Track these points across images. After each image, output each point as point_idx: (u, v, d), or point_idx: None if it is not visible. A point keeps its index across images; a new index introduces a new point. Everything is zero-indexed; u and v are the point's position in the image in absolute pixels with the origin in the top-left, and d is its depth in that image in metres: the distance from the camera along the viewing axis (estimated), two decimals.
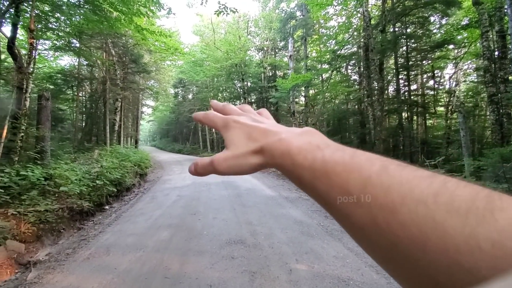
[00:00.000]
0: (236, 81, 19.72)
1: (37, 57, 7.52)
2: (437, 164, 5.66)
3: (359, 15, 12.11)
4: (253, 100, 22.11)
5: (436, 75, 13.47)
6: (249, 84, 20.40)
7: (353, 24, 12.88)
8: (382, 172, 0.22)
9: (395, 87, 12.57)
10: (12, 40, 5.55)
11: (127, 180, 7.57)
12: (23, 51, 7.07)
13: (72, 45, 9.75)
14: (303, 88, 13.40)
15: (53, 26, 7.54)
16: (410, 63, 12.13)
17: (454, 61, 12.95)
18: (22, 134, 5.30)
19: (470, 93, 13.43)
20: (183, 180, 9.30)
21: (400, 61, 12.37)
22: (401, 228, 0.19)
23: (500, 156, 5.41)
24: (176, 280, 2.67)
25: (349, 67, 16.26)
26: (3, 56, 7.21)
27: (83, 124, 13.03)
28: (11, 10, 5.54)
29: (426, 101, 13.09)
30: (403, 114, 12.34)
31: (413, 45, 12.11)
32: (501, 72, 7.01)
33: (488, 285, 0.15)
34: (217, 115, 0.35)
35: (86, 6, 6.84)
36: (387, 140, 11.33)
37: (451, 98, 12.48)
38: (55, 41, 8.90)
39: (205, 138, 26.31)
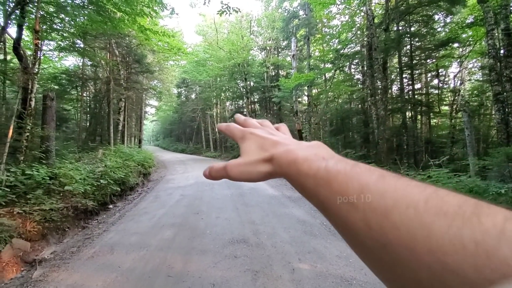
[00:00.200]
0: (239, 81, 19.72)
1: (42, 57, 7.61)
2: (442, 164, 5.62)
3: (362, 13, 12.03)
4: (256, 100, 22.10)
5: (440, 74, 13.35)
6: (252, 83, 20.39)
7: (356, 23, 12.81)
8: (379, 180, 0.23)
9: (399, 86, 12.48)
10: (17, 41, 5.61)
11: (131, 179, 7.62)
12: (29, 52, 7.16)
13: (77, 45, 9.83)
14: (306, 88, 13.38)
15: (58, 27, 7.61)
16: (414, 62, 12.02)
17: (458, 60, 12.81)
18: (28, 134, 5.36)
19: (475, 92, 13.29)
20: (186, 179, 9.34)
21: (404, 60, 12.27)
22: (392, 230, 0.20)
23: (506, 156, 5.35)
24: (179, 279, 2.69)
25: (353, 66, 16.17)
26: (9, 57, 7.31)
27: (87, 124, 13.14)
28: (17, 11, 5.60)
29: (430, 100, 12.97)
30: (407, 113, 12.24)
31: (417, 44, 12.01)
32: (507, 71, 6.92)
33: None
34: (237, 127, 0.38)
35: (90, 7, 6.89)
36: (390, 139, 11.24)
37: (456, 97, 12.35)
38: (59, 42, 8.98)
39: (208, 138, 26.37)
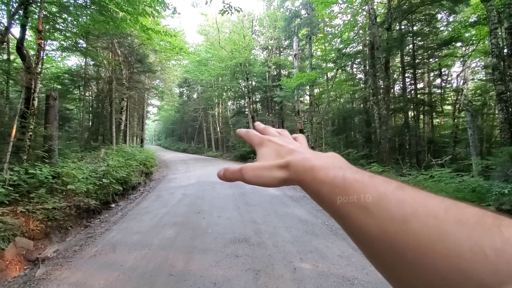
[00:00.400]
0: (240, 80, 19.72)
1: (45, 57, 7.64)
2: (444, 163, 5.59)
3: (364, 13, 11.98)
4: (257, 99, 22.09)
5: (443, 73, 13.27)
6: (253, 83, 20.38)
7: (358, 22, 12.75)
8: (397, 189, 0.24)
9: (401, 85, 12.43)
10: (21, 41, 5.65)
11: (133, 178, 7.65)
12: (32, 52, 7.18)
13: (79, 45, 9.87)
14: (308, 87, 13.35)
15: (61, 27, 7.64)
16: (417, 61, 11.97)
17: (461, 59, 12.73)
18: (31, 133, 5.40)
19: (478, 91, 13.21)
20: (188, 179, 9.36)
21: (407, 59, 12.21)
22: (411, 238, 0.20)
23: (509, 156, 5.31)
24: (181, 278, 2.69)
25: (355, 66, 16.12)
26: (12, 57, 7.35)
27: (90, 124, 13.19)
28: (20, 11, 5.64)
29: (433, 99, 12.90)
30: (409, 113, 12.19)
31: (419, 43, 11.95)
32: (510, 70, 6.87)
33: None
34: (256, 134, 0.40)
35: (92, 7, 6.91)
36: (392, 139, 11.21)
37: (459, 97, 12.28)
38: (62, 42, 9.02)
39: (210, 138, 26.40)
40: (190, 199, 6.28)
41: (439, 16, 11.72)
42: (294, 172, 0.30)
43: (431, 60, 12.24)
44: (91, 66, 13.07)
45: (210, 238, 3.74)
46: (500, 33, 7.84)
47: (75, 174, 5.32)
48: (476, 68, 14.44)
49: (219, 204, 5.64)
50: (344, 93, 15.45)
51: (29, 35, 8.84)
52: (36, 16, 6.19)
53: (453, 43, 11.10)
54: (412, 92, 12.54)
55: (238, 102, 25.34)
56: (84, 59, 12.17)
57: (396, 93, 13.41)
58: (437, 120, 14.04)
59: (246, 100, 20.44)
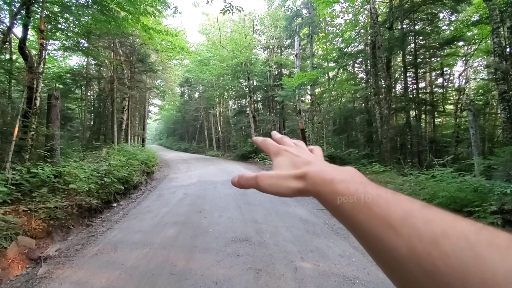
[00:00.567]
0: (241, 80, 19.72)
1: (47, 57, 7.68)
2: (446, 163, 5.57)
3: (366, 12, 11.95)
4: (258, 99, 22.08)
5: (445, 72, 13.22)
6: (254, 82, 20.38)
7: (360, 21, 12.72)
8: (423, 208, 0.24)
9: (403, 85, 12.38)
10: (23, 41, 5.67)
11: (134, 178, 7.67)
12: (34, 52, 7.22)
13: (81, 45, 9.90)
14: (309, 87, 13.32)
15: (62, 27, 7.66)
16: (419, 60, 11.92)
17: (463, 58, 12.68)
18: (33, 132, 5.42)
19: (480, 90, 13.14)
20: (189, 178, 9.37)
21: (408, 58, 12.17)
22: (441, 259, 0.20)
23: None
24: (182, 277, 2.70)
25: (356, 65, 16.08)
26: (14, 57, 7.38)
27: (92, 123, 13.23)
28: (22, 11, 5.66)
29: (435, 99, 12.85)
30: (411, 113, 12.14)
31: (421, 42, 11.90)
32: None
33: None
34: (273, 143, 0.40)
35: (94, 7, 6.93)
36: (394, 138, 11.18)
37: (461, 96, 12.23)
38: (64, 41, 9.05)
39: (211, 137, 26.43)
40: (191, 198, 6.29)
41: (441, 15, 11.67)
42: (312, 184, 0.30)
43: (433, 59, 12.19)
44: (93, 66, 13.10)
45: (211, 237, 3.74)
46: (502, 32, 7.80)
47: (77, 173, 5.34)
48: (478, 68, 14.38)
49: (220, 204, 5.65)
50: (346, 93, 15.42)
51: (31, 35, 8.86)
52: (38, 16, 6.21)
53: (455, 42, 11.05)
54: (414, 91, 12.49)
55: (239, 101, 25.34)
56: (86, 59, 12.19)
57: (397, 93, 13.37)
58: (439, 119, 13.98)
59: (247, 99, 20.44)
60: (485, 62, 13.41)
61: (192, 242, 3.59)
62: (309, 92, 14.35)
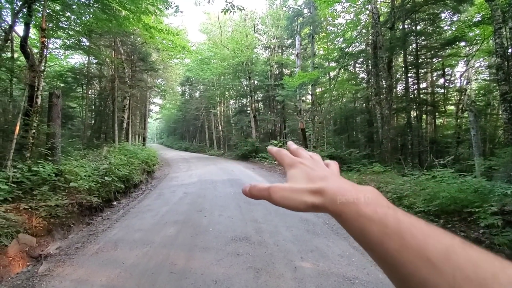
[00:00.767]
0: (242, 79, 19.72)
1: (48, 55, 7.69)
2: (446, 164, 5.57)
3: (367, 12, 11.93)
4: (259, 98, 22.07)
5: (446, 73, 13.19)
6: (255, 82, 20.37)
7: (361, 21, 12.70)
8: (465, 246, 0.22)
9: (404, 85, 12.36)
10: (24, 39, 5.68)
11: (135, 177, 7.68)
12: (35, 50, 7.24)
13: (82, 43, 9.91)
14: (310, 86, 13.32)
15: (64, 25, 7.68)
16: (420, 61, 11.89)
17: (465, 59, 12.64)
18: (34, 131, 5.43)
19: (481, 91, 13.11)
20: (189, 177, 9.38)
21: (410, 58, 12.14)
22: None
23: None
24: (181, 276, 2.71)
25: (357, 65, 16.06)
26: (16, 55, 7.39)
27: (92, 122, 13.25)
28: (24, 10, 5.67)
29: (436, 99, 12.83)
30: (412, 113, 12.12)
31: (423, 43, 11.88)
32: None
33: None
34: (287, 154, 0.38)
35: (95, 5, 6.93)
36: (395, 139, 11.16)
37: (462, 97, 12.20)
38: (65, 40, 9.07)
39: (212, 136, 26.45)
40: (191, 197, 6.30)
41: (442, 15, 11.65)
42: (331, 201, 0.29)
43: (434, 59, 12.16)
44: (94, 65, 13.11)
45: (211, 237, 3.75)
46: (504, 32, 7.77)
47: (77, 171, 5.35)
48: (480, 68, 14.34)
49: (220, 203, 5.66)
50: (346, 93, 15.40)
51: (33, 33, 8.86)
52: (40, 15, 6.22)
53: (457, 42, 11.02)
54: (415, 91, 12.46)
55: (240, 101, 25.35)
56: (87, 58, 12.19)
57: (398, 93, 13.35)
58: (440, 120, 13.96)
59: (248, 99, 20.44)
60: (486, 63, 13.38)
61: (192, 241, 3.60)
62: (310, 92, 14.35)
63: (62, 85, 10.98)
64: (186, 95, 30.98)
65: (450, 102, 13.31)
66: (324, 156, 10.13)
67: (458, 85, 13.59)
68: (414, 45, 11.65)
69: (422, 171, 6.24)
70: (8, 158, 4.61)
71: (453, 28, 11.79)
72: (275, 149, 0.40)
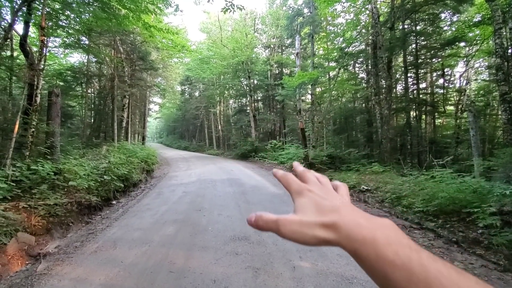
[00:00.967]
0: (242, 79, 19.71)
1: (47, 54, 7.66)
2: (445, 164, 5.58)
3: (367, 12, 11.93)
4: (259, 98, 22.06)
5: (446, 73, 13.19)
6: (255, 81, 20.37)
7: (361, 21, 12.70)
8: None
9: (404, 85, 12.37)
10: (24, 38, 5.67)
11: (134, 176, 7.68)
12: (35, 48, 7.22)
13: (82, 42, 9.90)
14: (309, 86, 13.30)
15: (63, 24, 7.66)
16: (420, 61, 11.90)
17: (465, 59, 12.65)
18: (33, 129, 5.43)
19: (481, 91, 13.12)
20: (189, 176, 9.38)
21: (409, 59, 12.15)
22: None
23: None
24: (180, 275, 2.71)
25: (357, 65, 16.06)
26: (15, 53, 7.37)
27: (92, 121, 13.25)
28: (24, 8, 5.65)
29: (435, 99, 12.84)
30: (411, 113, 12.13)
31: (422, 43, 11.88)
32: None
33: None
34: (294, 180, 0.36)
35: (95, 4, 6.92)
36: (394, 139, 11.17)
37: (461, 97, 12.20)
38: (65, 39, 9.05)
39: (211, 136, 26.45)
40: (190, 196, 6.30)
41: (442, 15, 11.65)
42: (346, 238, 0.27)
43: (434, 60, 12.17)
44: (94, 63, 13.10)
45: (210, 236, 3.75)
46: (504, 33, 7.78)
47: (76, 170, 5.35)
48: (479, 69, 14.35)
49: (219, 202, 5.66)
50: (346, 93, 15.40)
51: (32, 31, 8.84)
52: (39, 13, 6.21)
53: (457, 43, 11.02)
54: (415, 92, 12.47)
55: (239, 100, 25.34)
56: (87, 56, 12.18)
57: (398, 93, 13.36)
58: (439, 120, 13.97)
59: (248, 98, 20.43)
60: (486, 63, 13.39)
61: (191, 240, 3.60)
62: (309, 92, 14.34)
63: (61, 83, 10.97)
64: (186, 94, 30.96)
65: (449, 103, 13.32)
66: (324, 156, 10.14)
67: (457, 85, 13.61)
68: (414, 45, 11.66)
69: (421, 171, 6.25)
70: (7, 156, 4.61)
71: (453, 29, 11.80)
72: (280, 172, 0.38)
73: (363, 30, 12.77)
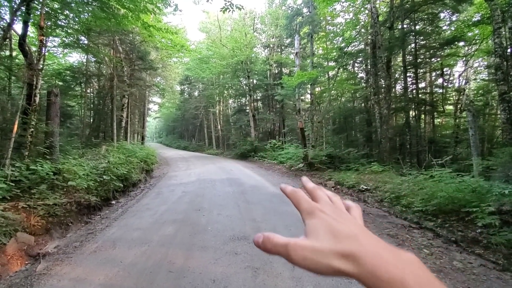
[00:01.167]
0: (241, 78, 19.69)
1: (46, 54, 7.65)
2: (445, 163, 5.59)
3: (366, 11, 11.93)
4: (258, 97, 22.06)
5: (445, 73, 13.21)
6: (254, 81, 20.36)
7: (360, 21, 12.70)
8: None
9: (403, 85, 12.38)
10: (23, 37, 5.66)
11: (134, 175, 7.67)
12: (33, 48, 7.20)
13: (81, 42, 9.87)
14: (309, 86, 13.31)
15: (62, 24, 7.64)
16: (419, 60, 11.91)
17: (464, 59, 12.67)
18: (32, 129, 5.42)
19: (480, 91, 13.15)
20: (188, 176, 9.38)
21: (408, 58, 12.16)
22: None
23: (510, 156, 5.30)
24: (180, 274, 2.71)
25: (356, 65, 16.07)
26: (14, 53, 7.36)
27: (91, 120, 13.23)
28: (23, 8, 5.64)
29: (435, 99, 12.86)
30: (411, 113, 12.15)
31: (422, 42, 11.89)
32: None
33: None
34: (304, 198, 0.33)
35: (94, 3, 6.90)
36: (393, 138, 11.19)
37: (461, 97, 12.23)
38: (64, 38, 9.02)
39: (211, 135, 26.44)
40: (190, 196, 6.30)
41: (442, 15, 11.66)
42: (369, 274, 0.24)
43: (433, 59, 12.18)
44: (93, 63, 13.08)
45: (210, 236, 3.75)
46: (503, 32, 7.79)
47: (76, 170, 5.34)
48: (478, 68, 14.37)
49: (219, 202, 5.66)
50: (345, 92, 15.41)
51: (31, 31, 8.82)
52: (38, 13, 6.19)
53: (456, 42, 11.03)
54: (414, 91, 12.49)
55: (239, 100, 25.33)
56: (86, 56, 12.17)
57: (397, 93, 13.37)
58: (438, 120, 14.00)
59: (247, 98, 20.42)
60: (485, 63, 13.41)
61: (191, 240, 3.60)
62: (309, 91, 14.34)
63: (60, 83, 10.95)
64: (185, 94, 30.96)
65: (448, 102, 13.34)
66: (323, 155, 10.14)
67: (456, 85, 13.63)
68: (413, 45, 11.67)
69: (420, 170, 6.26)
70: (6, 156, 4.60)
71: (452, 28, 11.81)
72: (289, 189, 0.34)
73: (362, 30, 12.77)
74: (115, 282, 2.61)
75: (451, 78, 14.05)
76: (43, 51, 6.35)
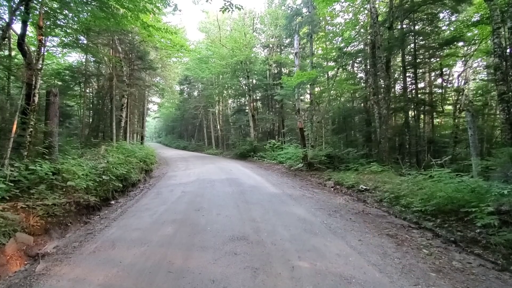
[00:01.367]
0: (241, 78, 19.69)
1: (45, 53, 7.63)
2: (444, 164, 5.59)
3: (366, 11, 11.93)
4: (258, 98, 22.06)
5: (444, 73, 13.23)
6: (254, 81, 20.36)
7: (360, 21, 12.71)
8: None
9: (402, 85, 12.40)
10: (22, 37, 5.64)
11: (133, 175, 7.67)
12: (32, 48, 7.18)
13: (80, 42, 9.85)
14: (308, 86, 13.33)
15: (61, 23, 7.63)
16: (418, 60, 11.93)
17: (463, 59, 12.69)
18: (31, 129, 5.41)
19: (479, 91, 13.18)
20: (188, 176, 9.38)
21: (408, 58, 12.17)
22: None
23: (510, 156, 5.31)
24: (179, 275, 2.71)
25: (356, 65, 16.07)
26: (13, 53, 7.34)
27: (90, 120, 13.21)
28: (21, 7, 5.63)
29: (434, 99, 12.88)
30: (410, 113, 12.17)
31: (421, 43, 11.90)
32: None
33: None
34: None
35: (93, 3, 6.89)
36: (392, 138, 11.20)
37: (460, 97, 12.26)
38: (63, 38, 9.00)
39: (210, 135, 26.42)
40: (189, 196, 6.29)
41: (441, 15, 11.67)
42: None
43: (432, 59, 12.20)
44: (92, 63, 13.06)
45: (209, 236, 3.75)
46: (503, 32, 7.82)
47: (75, 170, 5.33)
48: (477, 68, 14.40)
49: (218, 202, 5.66)
50: (345, 92, 15.42)
51: (30, 31, 8.81)
52: (37, 12, 6.18)
53: (455, 42, 11.06)
54: (413, 91, 12.51)
55: (238, 100, 25.33)
56: (85, 56, 12.15)
57: (396, 93, 13.39)
58: (438, 120, 14.02)
59: (247, 98, 20.42)
60: (484, 63, 13.43)
61: (190, 240, 3.60)
62: (308, 91, 14.36)
63: (59, 83, 10.94)
64: (185, 94, 30.93)
65: (448, 102, 13.37)
66: (322, 155, 10.15)
67: (456, 85, 13.65)
68: (412, 45, 11.68)
69: (419, 170, 6.27)
70: (5, 156, 4.59)
71: (452, 28, 11.82)
72: None
73: (362, 30, 12.78)
74: (114, 283, 2.60)
75: (450, 78, 14.09)
76: (42, 51, 6.35)
